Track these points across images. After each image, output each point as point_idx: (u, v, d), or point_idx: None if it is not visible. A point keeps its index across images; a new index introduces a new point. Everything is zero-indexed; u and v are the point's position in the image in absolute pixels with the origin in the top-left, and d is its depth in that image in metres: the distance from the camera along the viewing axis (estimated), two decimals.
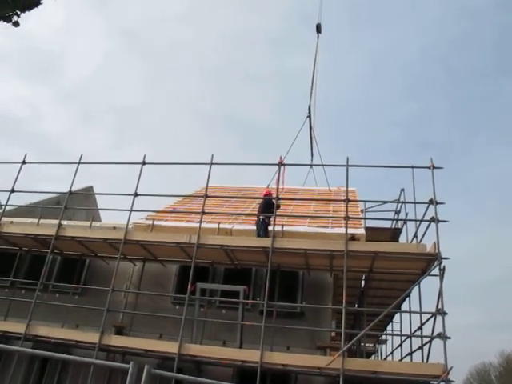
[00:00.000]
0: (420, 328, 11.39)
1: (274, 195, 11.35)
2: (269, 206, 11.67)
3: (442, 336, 9.18)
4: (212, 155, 11.61)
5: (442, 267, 9.71)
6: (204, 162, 11.65)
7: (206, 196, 11.26)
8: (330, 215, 13.26)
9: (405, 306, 13.28)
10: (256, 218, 11.99)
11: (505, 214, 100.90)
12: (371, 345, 20.95)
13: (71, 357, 4.59)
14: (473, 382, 47.68)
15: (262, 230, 11.48)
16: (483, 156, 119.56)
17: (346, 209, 10.36)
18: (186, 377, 3.93)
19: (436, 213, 10.13)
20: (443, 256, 9.72)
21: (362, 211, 14.70)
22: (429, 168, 10.63)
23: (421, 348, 10.97)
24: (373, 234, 13.35)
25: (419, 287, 11.58)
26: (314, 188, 16.29)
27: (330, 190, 15.13)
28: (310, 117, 17.51)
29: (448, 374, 8.83)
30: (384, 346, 20.49)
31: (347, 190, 10.69)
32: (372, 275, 11.55)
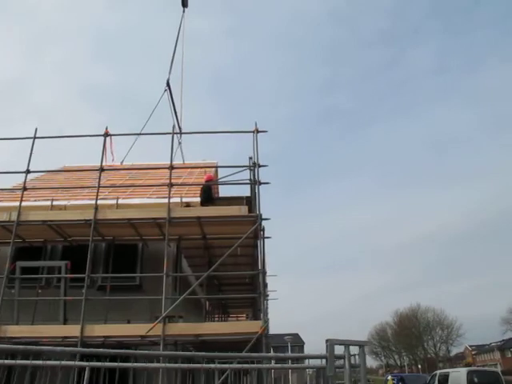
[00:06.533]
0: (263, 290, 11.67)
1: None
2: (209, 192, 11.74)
3: (262, 294, 9.53)
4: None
5: (261, 227, 10.00)
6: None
7: (28, 172, 10.67)
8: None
9: None
10: None
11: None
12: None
13: None
14: (373, 341, 50.93)
15: None
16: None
17: (170, 176, 10.29)
18: None
19: (258, 175, 10.36)
20: (264, 217, 10.04)
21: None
22: (253, 132, 10.82)
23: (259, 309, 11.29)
24: (229, 203, 13.41)
25: (258, 250, 11.79)
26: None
27: (184, 163, 14.99)
28: (169, 91, 17.14)
29: (265, 329, 9.14)
30: None
31: (171, 157, 10.62)
32: (210, 242, 11.63)
